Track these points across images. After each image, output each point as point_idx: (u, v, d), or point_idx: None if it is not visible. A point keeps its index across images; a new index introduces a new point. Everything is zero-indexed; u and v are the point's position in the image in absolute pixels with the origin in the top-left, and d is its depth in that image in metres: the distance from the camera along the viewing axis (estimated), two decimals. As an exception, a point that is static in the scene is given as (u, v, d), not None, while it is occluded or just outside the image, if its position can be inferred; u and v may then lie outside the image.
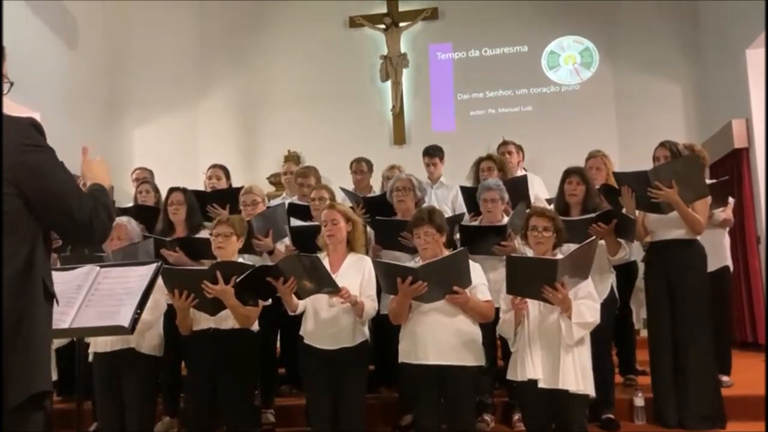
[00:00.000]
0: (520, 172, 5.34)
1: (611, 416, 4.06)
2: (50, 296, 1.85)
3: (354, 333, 3.59)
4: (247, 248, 4.09)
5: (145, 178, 5.51)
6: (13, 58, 2.02)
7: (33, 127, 1.83)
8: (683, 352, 4.01)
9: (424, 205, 4.39)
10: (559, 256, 3.42)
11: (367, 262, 3.72)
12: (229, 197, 4.70)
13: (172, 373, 4.30)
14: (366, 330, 3.69)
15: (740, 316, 6.78)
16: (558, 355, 3.26)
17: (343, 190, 5.08)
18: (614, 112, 8.45)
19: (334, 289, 3.43)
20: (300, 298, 3.54)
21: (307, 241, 3.98)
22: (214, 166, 5.28)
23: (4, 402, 1.67)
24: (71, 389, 3.80)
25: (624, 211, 4.04)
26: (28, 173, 1.76)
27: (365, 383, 3.72)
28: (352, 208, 4.65)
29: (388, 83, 8.89)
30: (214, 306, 3.53)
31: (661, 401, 4.07)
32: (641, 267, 4.66)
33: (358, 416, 3.59)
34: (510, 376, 3.45)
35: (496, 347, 4.24)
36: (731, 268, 4.91)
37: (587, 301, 3.33)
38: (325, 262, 3.57)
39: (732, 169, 6.99)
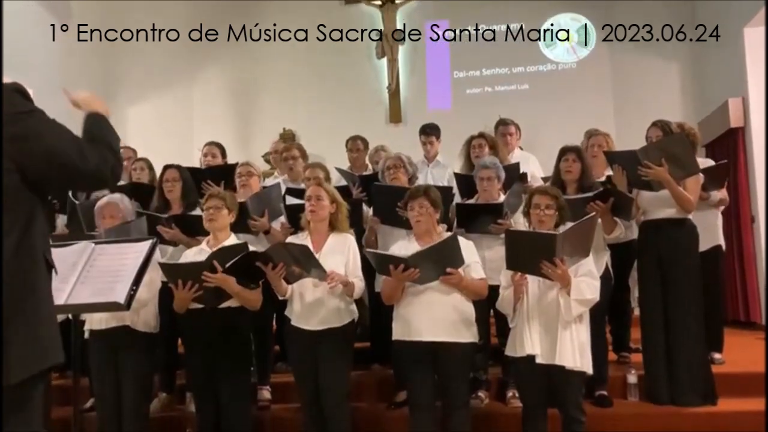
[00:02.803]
0: (516, 152, 5.33)
1: (604, 393, 4.10)
2: (50, 268, 1.84)
3: (340, 313, 3.60)
4: (243, 228, 4.09)
5: (139, 158, 5.46)
6: (5, 37, 1.98)
7: (18, 93, 1.78)
8: (674, 331, 4.04)
9: (419, 182, 4.40)
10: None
11: (351, 241, 3.72)
12: (223, 174, 4.68)
13: (168, 351, 4.32)
14: (353, 308, 3.70)
15: (733, 295, 6.83)
16: (556, 332, 3.28)
17: (339, 170, 5.06)
18: (611, 90, 8.42)
19: (322, 273, 3.45)
20: (289, 282, 3.57)
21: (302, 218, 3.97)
22: (210, 144, 5.26)
23: (12, 374, 1.66)
24: (67, 366, 3.81)
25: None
26: (23, 141, 1.72)
27: (350, 363, 3.72)
28: (347, 187, 4.66)
29: (384, 61, 8.83)
30: (217, 297, 3.54)
31: (652, 379, 4.11)
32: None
33: (341, 396, 3.59)
34: (508, 351, 3.48)
35: (490, 324, 4.26)
36: (723, 247, 4.93)
37: (587, 278, 3.35)
38: (308, 242, 3.58)
39: (728, 148, 7.00)
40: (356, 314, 3.71)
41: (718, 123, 7.13)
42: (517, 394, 3.98)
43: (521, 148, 5.53)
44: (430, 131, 5.38)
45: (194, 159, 5.92)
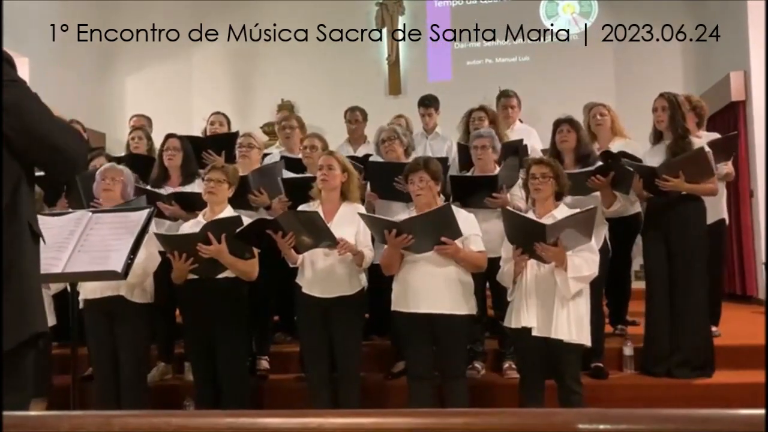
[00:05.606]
0: (517, 124, 5.30)
1: (600, 365, 4.13)
2: (36, 238, 1.82)
3: (351, 281, 3.63)
4: (243, 203, 4.07)
5: (141, 126, 5.45)
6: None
7: (5, 61, 1.75)
8: (679, 304, 4.03)
9: (418, 154, 4.38)
10: (562, 207, 3.48)
11: (362, 211, 3.72)
12: (224, 143, 4.66)
13: (166, 320, 4.34)
14: (363, 277, 3.73)
15: (730, 268, 6.85)
16: (552, 306, 3.31)
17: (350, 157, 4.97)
18: (612, 62, 8.36)
19: (332, 242, 3.46)
20: (298, 252, 3.58)
21: (299, 192, 3.96)
22: (217, 113, 5.26)
23: (4, 341, 1.67)
24: (68, 335, 3.83)
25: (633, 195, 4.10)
26: (5, 112, 1.69)
27: (362, 331, 3.79)
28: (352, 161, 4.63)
29: (384, 31, 8.74)
30: (212, 268, 3.56)
31: (650, 351, 4.13)
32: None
33: (354, 363, 3.67)
34: (506, 323, 3.52)
35: (486, 297, 4.28)
36: (727, 221, 4.93)
37: (585, 253, 3.36)
38: (319, 212, 3.58)
39: (728, 122, 6.96)
40: (365, 283, 3.74)
41: (719, 96, 7.08)
42: (513, 366, 4.02)
43: (521, 121, 5.50)
44: (429, 103, 5.34)
45: (193, 130, 5.89)
